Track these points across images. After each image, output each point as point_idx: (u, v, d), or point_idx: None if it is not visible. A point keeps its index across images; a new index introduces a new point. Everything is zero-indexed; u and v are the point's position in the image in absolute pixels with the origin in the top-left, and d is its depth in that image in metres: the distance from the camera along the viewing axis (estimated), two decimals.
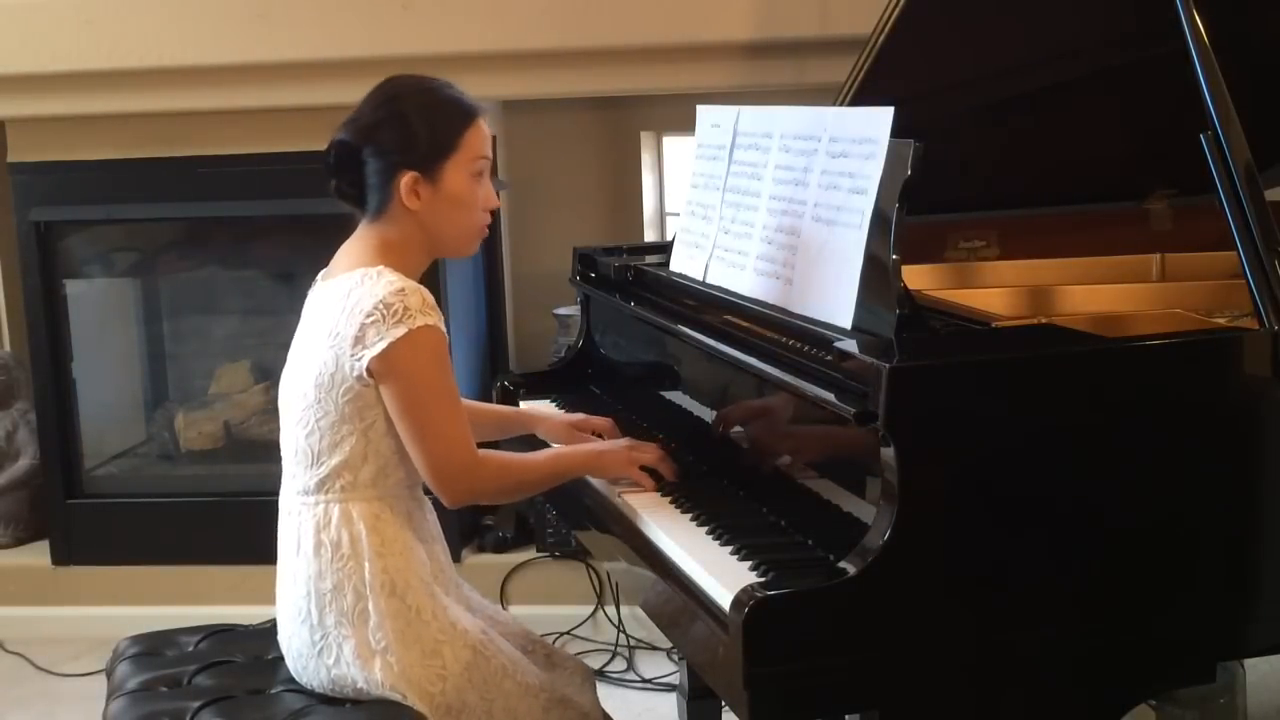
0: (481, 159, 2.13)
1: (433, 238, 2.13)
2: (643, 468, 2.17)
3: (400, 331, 1.98)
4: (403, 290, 2.00)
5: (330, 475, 2.07)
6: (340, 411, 2.04)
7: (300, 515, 2.10)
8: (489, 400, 2.84)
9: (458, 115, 2.12)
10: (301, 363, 2.10)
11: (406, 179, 2.07)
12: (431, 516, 2.20)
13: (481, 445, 2.12)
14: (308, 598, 2.08)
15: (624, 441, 2.24)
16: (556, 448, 2.31)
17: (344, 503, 2.07)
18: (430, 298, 2.05)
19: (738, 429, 2.16)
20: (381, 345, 1.98)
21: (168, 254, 4.16)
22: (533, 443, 2.47)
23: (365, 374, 2.00)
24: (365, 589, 2.05)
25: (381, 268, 2.05)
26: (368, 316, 2.00)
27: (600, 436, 2.37)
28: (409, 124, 2.08)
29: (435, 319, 2.02)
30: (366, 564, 2.06)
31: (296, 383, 2.10)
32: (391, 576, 2.06)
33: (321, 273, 2.18)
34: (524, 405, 2.66)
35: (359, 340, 2.00)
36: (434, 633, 2.06)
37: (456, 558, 3.55)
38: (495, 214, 2.19)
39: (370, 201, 2.11)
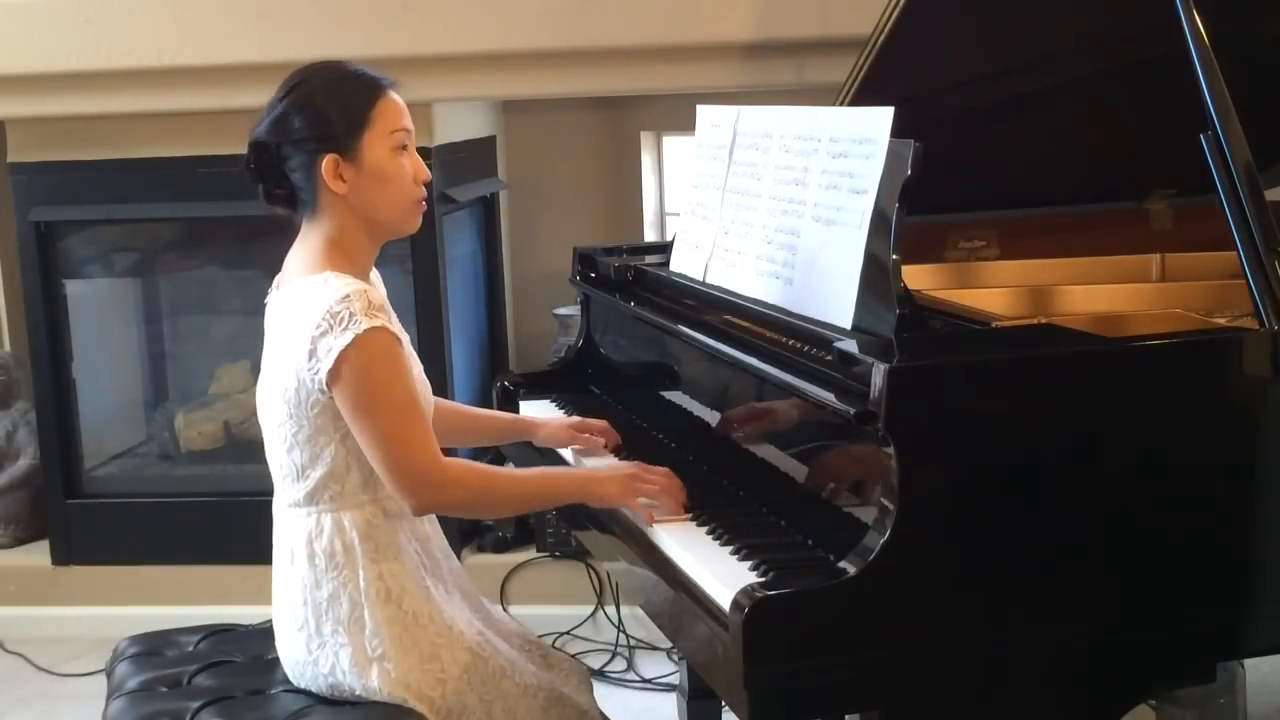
0: (400, 130, 2.08)
1: (369, 221, 2.09)
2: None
3: (347, 339, 1.95)
4: (347, 296, 1.97)
5: (318, 487, 2.06)
6: (313, 425, 2.03)
7: (292, 526, 2.10)
8: (489, 400, 2.83)
9: (365, 89, 2.07)
10: (270, 379, 2.08)
11: (327, 162, 2.04)
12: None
13: (481, 451, 2.10)
14: (304, 606, 2.08)
15: (630, 466, 2.13)
16: (548, 469, 2.22)
17: (335, 512, 2.06)
18: (378, 298, 2.03)
19: (739, 432, 2.16)
20: (332, 357, 1.96)
21: (168, 254, 4.16)
22: (532, 449, 2.48)
23: (325, 387, 1.98)
24: (360, 596, 2.05)
25: (327, 274, 2.02)
26: (316, 329, 1.97)
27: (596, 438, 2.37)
28: (317, 105, 2.04)
29: (383, 319, 1.98)
30: (361, 571, 2.05)
31: (269, 400, 2.08)
32: (386, 583, 2.06)
33: (275, 281, 2.16)
34: (523, 407, 2.66)
35: (312, 354, 1.97)
36: (431, 636, 2.06)
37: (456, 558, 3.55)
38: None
39: (302, 199, 2.08)
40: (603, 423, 2.41)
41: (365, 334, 1.95)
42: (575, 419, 2.44)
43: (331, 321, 1.96)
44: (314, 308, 1.99)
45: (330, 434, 2.03)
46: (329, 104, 2.05)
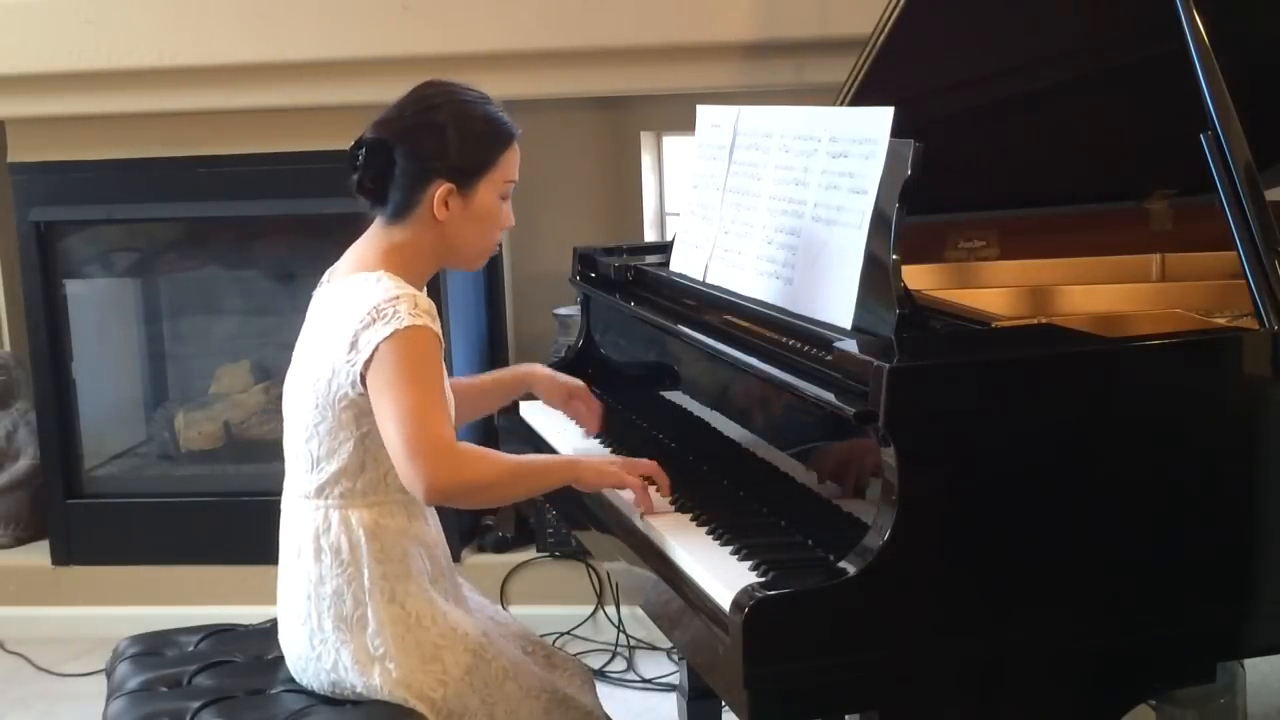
0: (512, 182, 2.13)
1: (448, 249, 2.12)
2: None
3: (388, 331, 1.96)
4: (397, 297, 1.99)
5: (329, 481, 2.07)
6: (337, 418, 2.04)
7: (301, 519, 2.10)
8: None
9: (500, 135, 2.11)
10: (303, 367, 2.10)
11: (441, 189, 2.06)
12: (433, 520, 2.18)
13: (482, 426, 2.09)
14: (308, 601, 2.08)
15: (616, 461, 2.14)
16: (546, 457, 2.24)
17: (344, 508, 2.07)
18: (426, 303, 2.03)
19: (741, 431, 2.17)
20: (371, 347, 1.97)
21: (168, 254, 4.16)
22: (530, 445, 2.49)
23: (359, 380, 1.99)
24: (364, 595, 2.05)
25: (381, 273, 2.04)
26: (360, 322, 1.99)
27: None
28: (451, 135, 2.07)
29: (427, 321, 1.99)
30: (365, 570, 2.05)
31: (298, 387, 2.10)
32: (391, 583, 2.06)
33: (328, 272, 2.18)
34: (523, 407, 2.67)
35: (353, 346, 1.99)
36: (434, 638, 2.06)
37: (456, 557, 3.55)
38: None
39: (391, 202, 2.09)
40: (596, 405, 2.42)
41: (407, 329, 1.97)
42: (576, 383, 2.44)
43: (376, 315, 1.98)
44: (362, 303, 2.00)
45: (351, 430, 2.04)
46: (463, 137, 2.07)
